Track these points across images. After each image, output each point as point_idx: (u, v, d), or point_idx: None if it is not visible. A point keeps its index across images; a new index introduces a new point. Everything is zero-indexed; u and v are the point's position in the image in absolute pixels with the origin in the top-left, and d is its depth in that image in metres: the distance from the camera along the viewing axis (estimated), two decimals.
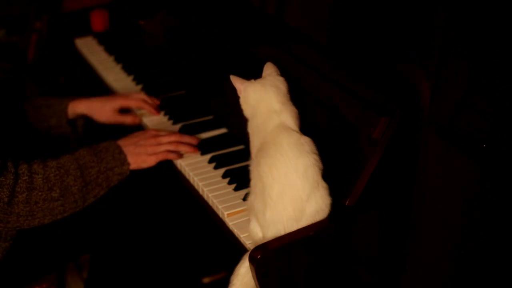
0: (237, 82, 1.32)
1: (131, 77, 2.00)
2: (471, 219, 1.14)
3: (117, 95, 1.81)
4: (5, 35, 2.94)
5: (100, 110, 1.71)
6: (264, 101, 1.28)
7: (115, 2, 2.42)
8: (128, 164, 1.49)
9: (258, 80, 1.32)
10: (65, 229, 1.50)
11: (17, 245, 1.44)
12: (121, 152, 1.49)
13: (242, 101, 1.33)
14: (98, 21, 2.35)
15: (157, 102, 1.79)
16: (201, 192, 1.47)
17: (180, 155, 1.56)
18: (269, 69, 1.35)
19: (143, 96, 1.78)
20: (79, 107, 1.71)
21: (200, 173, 1.50)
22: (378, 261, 1.39)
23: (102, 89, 2.04)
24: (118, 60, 2.11)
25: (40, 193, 1.37)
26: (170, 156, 1.55)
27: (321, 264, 1.31)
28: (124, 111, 1.76)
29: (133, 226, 1.61)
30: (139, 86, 1.94)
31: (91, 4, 2.42)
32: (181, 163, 1.55)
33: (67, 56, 2.32)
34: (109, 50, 2.18)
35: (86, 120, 1.75)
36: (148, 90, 1.90)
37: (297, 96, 1.44)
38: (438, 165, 1.19)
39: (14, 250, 1.44)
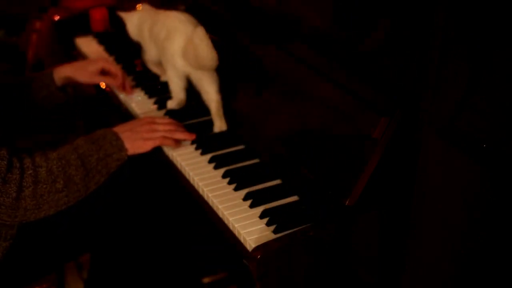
0: (122, 14, 1.86)
1: (130, 77, 2.00)
2: (471, 219, 1.14)
3: (98, 58, 1.92)
4: (5, 35, 2.94)
5: (83, 71, 1.83)
6: (145, 22, 1.78)
7: (116, 2, 2.42)
8: (126, 150, 1.51)
9: (138, 10, 1.87)
10: (65, 229, 1.50)
11: (17, 245, 1.44)
12: (118, 138, 1.51)
13: (128, 27, 1.85)
14: (98, 21, 2.35)
15: (129, 82, 1.92)
16: (201, 192, 1.47)
17: (176, 142, 1.58)
18: (145, 5, 1.86)
19: (120, 68, 1.92)
20: (63, 71, 1.80)
21: (200, 173, 1.50)
22: (378, 261, 1.39)
23: (101, 89, 2.04)
24: (118, 60, 2.11)
25: (45, 186, 1.37)
26: (166, 142, 1.57)
27: (321, 264, 1.31)
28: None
29: (133, 226, 1.61)
30: (139, 87, 1.94)
31: (91, 4, 2.42)
32: (181, 163, 1.55)
33: (67, 56, 2.32)
34: (109, 50, 2.18)
35: (86, 103, 1.87)
36: (148, 90, 1.90)
37: (297, 96, 1.44)
38: (438, 165, 1.19)
39: (14, 250, 1.44)
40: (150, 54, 1.84)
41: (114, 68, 1.88)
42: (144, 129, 1.56)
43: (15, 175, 1.33)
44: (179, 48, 1.62)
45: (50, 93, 1.76)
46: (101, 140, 1.49)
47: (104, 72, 1.87)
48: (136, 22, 1.83)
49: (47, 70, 1.81)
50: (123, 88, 1.89)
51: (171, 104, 1.79)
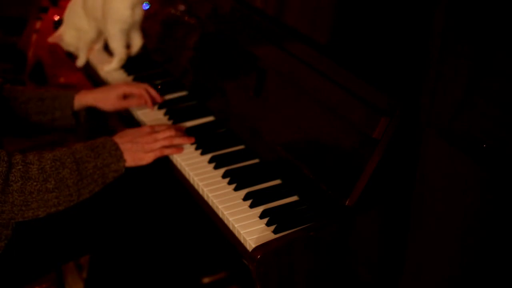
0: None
1: (131, 78, 2.00)
2: (471, 219, 1.14)
3: (119, 83, 1.83)
4: (5, 35, 2.94)
5: (106, 99, 1.75)
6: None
7: None
8: (124, 161, 1.50)
9: None
10: (65, 229, 1.50)
11: (17, 245, 1.44)
12: (117, 148, 1.50)
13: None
14: None
15: (159, 99, 1.82)
16: (201, 192, 1.47)
17: (177, 149, 1.58)
18: None
19: (146, 85, 1.81)
20: (85, 99, 1.74)
21: (200, 173, 1.51)
22: (378, 261, 1.39)
23: None
24: None
25: (35, 183, 1.36)
26: (166, 152, 1.57)
27: (321, 264, 1.31)
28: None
29: (133, 226, 1.61)
30: None
31: None
32: (181, 163, 1.55)
33: (67, 56, 2.32)
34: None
35: (88, 110, 1.78)
36: None
37: (296, 96, 1.44)
38: (438, 165, 1.19)
39: (14, 250, 1.43)
40: (90, 34, 2.05)
41: (136, 88, 1.79)
42: (145, 140, 1.54)
43: (2, 168, 1.32)
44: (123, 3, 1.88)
45: (64, 116, 1.72)
46: (100, 149, 1.48)
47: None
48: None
49: (69, 92, 1.74)
50: (150, 103, 1.79)
51: (113, 65, 1.98)
